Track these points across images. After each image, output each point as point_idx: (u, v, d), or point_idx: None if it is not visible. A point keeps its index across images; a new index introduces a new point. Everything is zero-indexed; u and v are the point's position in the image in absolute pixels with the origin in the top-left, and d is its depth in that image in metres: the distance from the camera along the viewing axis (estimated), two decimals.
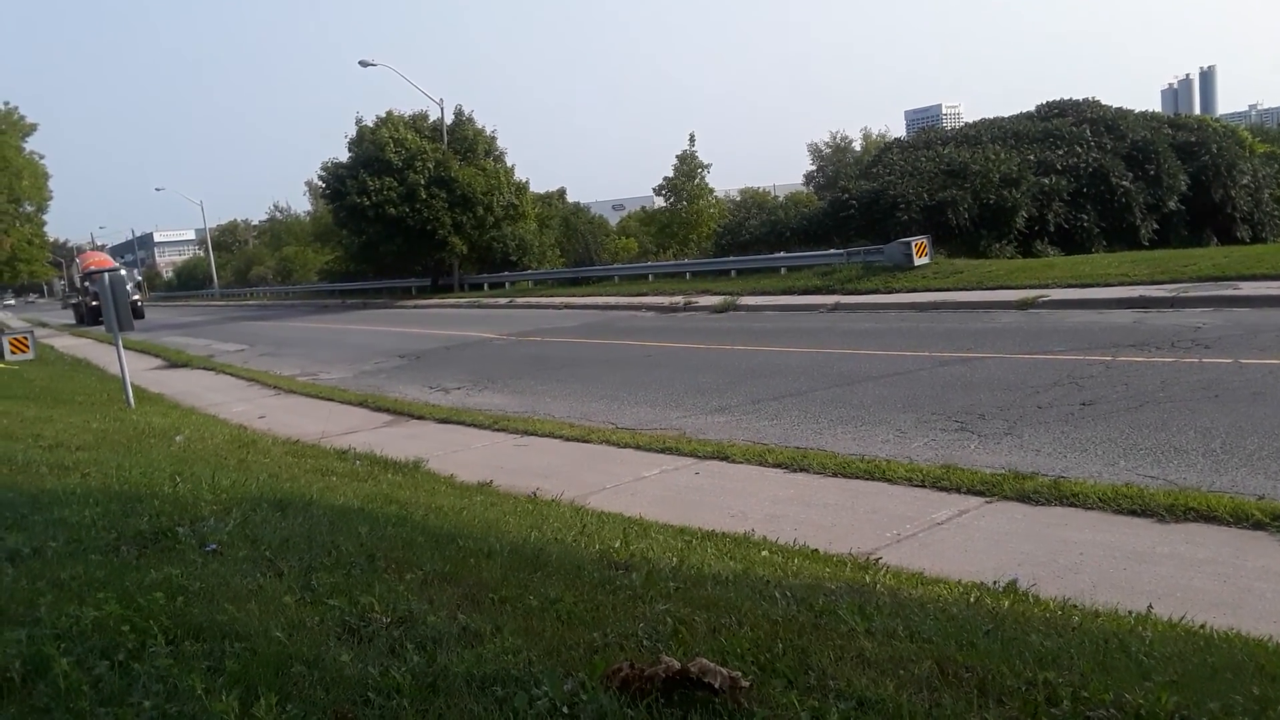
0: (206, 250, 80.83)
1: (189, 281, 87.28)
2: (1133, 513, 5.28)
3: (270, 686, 2.74)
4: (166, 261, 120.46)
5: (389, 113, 39.17)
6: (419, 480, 7.67)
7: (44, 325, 45.56)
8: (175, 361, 21.30)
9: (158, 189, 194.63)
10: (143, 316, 42.56)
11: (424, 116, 39.99)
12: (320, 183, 43.11)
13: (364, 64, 36.16)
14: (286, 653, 3.06)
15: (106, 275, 15.30)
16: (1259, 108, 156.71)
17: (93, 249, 72.59)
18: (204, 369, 19.32)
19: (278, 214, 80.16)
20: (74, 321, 47.50)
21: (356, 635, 3.34)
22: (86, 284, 42.38)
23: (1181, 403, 7.78)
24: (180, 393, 15.36)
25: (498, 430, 9.76)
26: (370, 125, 38.74)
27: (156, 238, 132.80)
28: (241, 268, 75.95)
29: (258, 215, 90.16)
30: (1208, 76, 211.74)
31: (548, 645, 3.19)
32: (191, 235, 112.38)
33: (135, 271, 55.43)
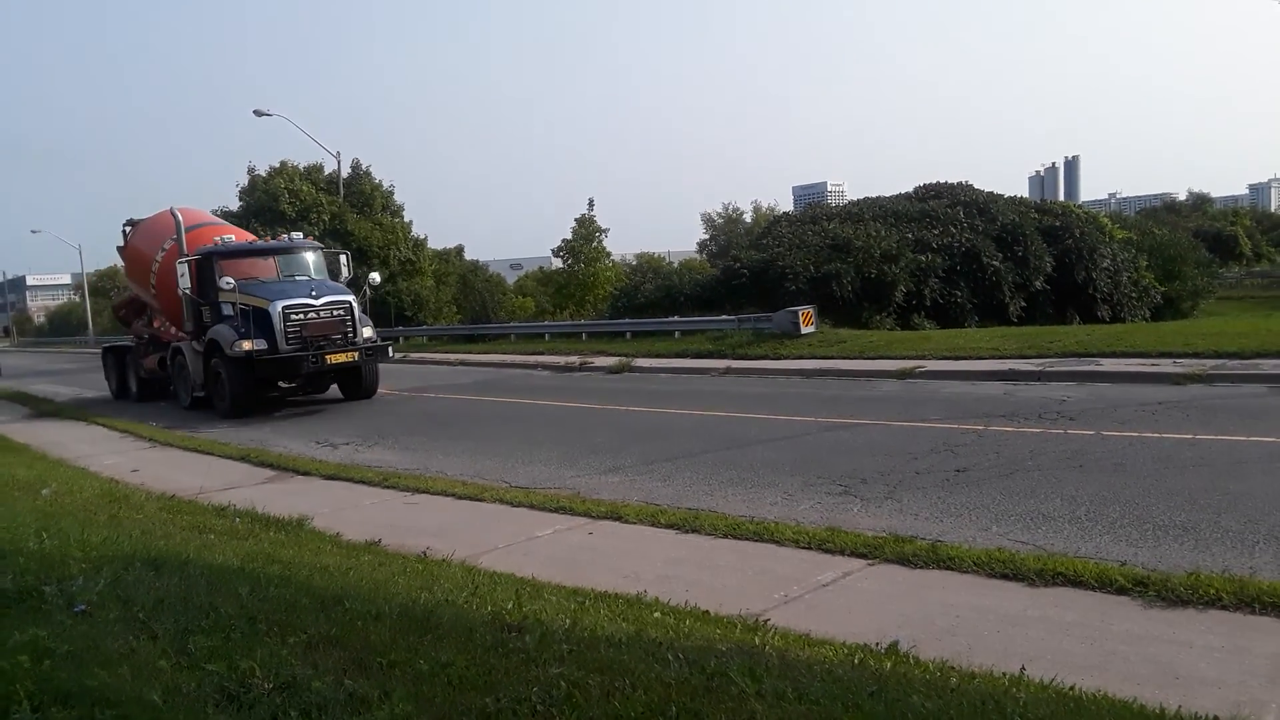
0: (83, 295, 77.15)
1: (62, 327, 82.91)
2: (1005, 576, 5.52)
3: None
4: (39, 306, 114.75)
5: (283, 163, 38.57)
6: (303, 539, 7.44)
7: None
8: (43, 411, 20.13)
9: (33, 231, 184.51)
10: (374, 392, 18.42)
11: (319, 168, 39.48)
12: None
13: (259, 113, 35.55)
14: None
15: None
16: (1118, 196, 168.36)
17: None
18: (74, 419, 18.31)
19: None
20: (109, 390, 22.87)
21: (236, 702, 3.23)
22: (221, 295, 16.97)
23: (1049, 471, 8.22)
24: (48, 444, 14.51)
25: (387, 487, 9.55)
26: (263, 175, 38.03)
27: (29, 281, 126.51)
28: None
29: None
30: (1072, 165, 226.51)
31: (439, 711, 3.15)
32: (68, 280, 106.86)
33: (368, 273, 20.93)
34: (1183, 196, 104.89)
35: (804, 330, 20.78)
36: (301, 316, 16.69)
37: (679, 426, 12.33)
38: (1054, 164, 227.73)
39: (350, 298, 17.59)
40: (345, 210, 36.72)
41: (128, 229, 21.27)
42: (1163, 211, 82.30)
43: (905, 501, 7.67)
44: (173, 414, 18.01)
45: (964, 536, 6.51)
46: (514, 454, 11.21)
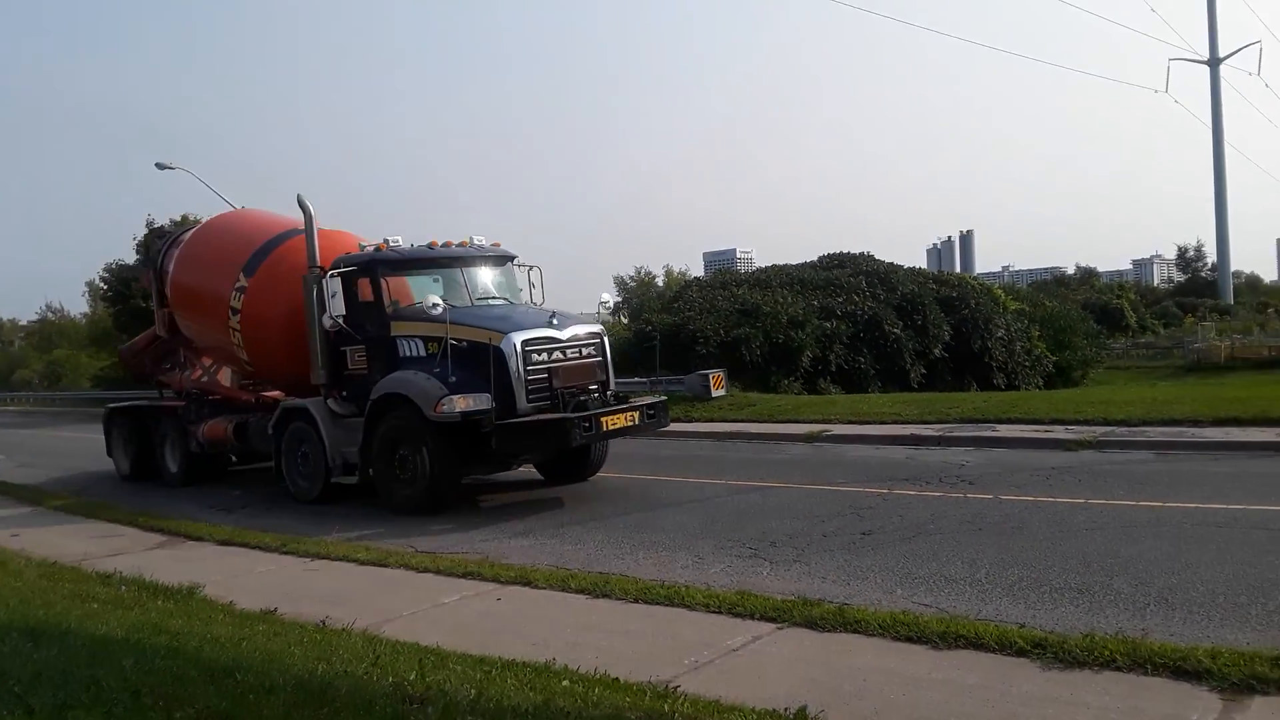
0: None
1: None
2: (910, 639, 5.59)
3: None
4: None
5: (185, 217, 37.58)
6: (194, 608, 7.11)
7: None
8: None
9: None
10: (598, 470, 12.89)
11: None
12: (102, 284, 40.49)
13: (161, 166, 34.57)
14: None
15: None
16: (1011, 269, 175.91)
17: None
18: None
19: (50, 315, 74.25)
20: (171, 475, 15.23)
21: None
22: (397, 327, 11.69)
23: (950, 534, 8.43)
24: None
25: (285, 553, 9.22)
26: (164, 228, 37.11)
27: None
28: (3, 370, 69.36)
29: (27, 315, 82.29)
30: (967, 239, 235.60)
31: None
32: None
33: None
34: (1071, 270, 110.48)
35: (715, 393, 21.01)
36: (545, 357, 11.03)
37: (589, 488, 12.25)
38: (950, 237, 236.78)
39: (600, 329, 12.11)
40: None
41: (159, 242, 16.19)
42: (1053, 284, 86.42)
43: (813, 564, 7.75)
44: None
45: (870, 599, 6.59)
46: (419, 516, 10.96)
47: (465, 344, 10.91)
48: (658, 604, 6.67)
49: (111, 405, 17.23)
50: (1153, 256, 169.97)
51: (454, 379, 10.70)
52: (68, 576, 8.24)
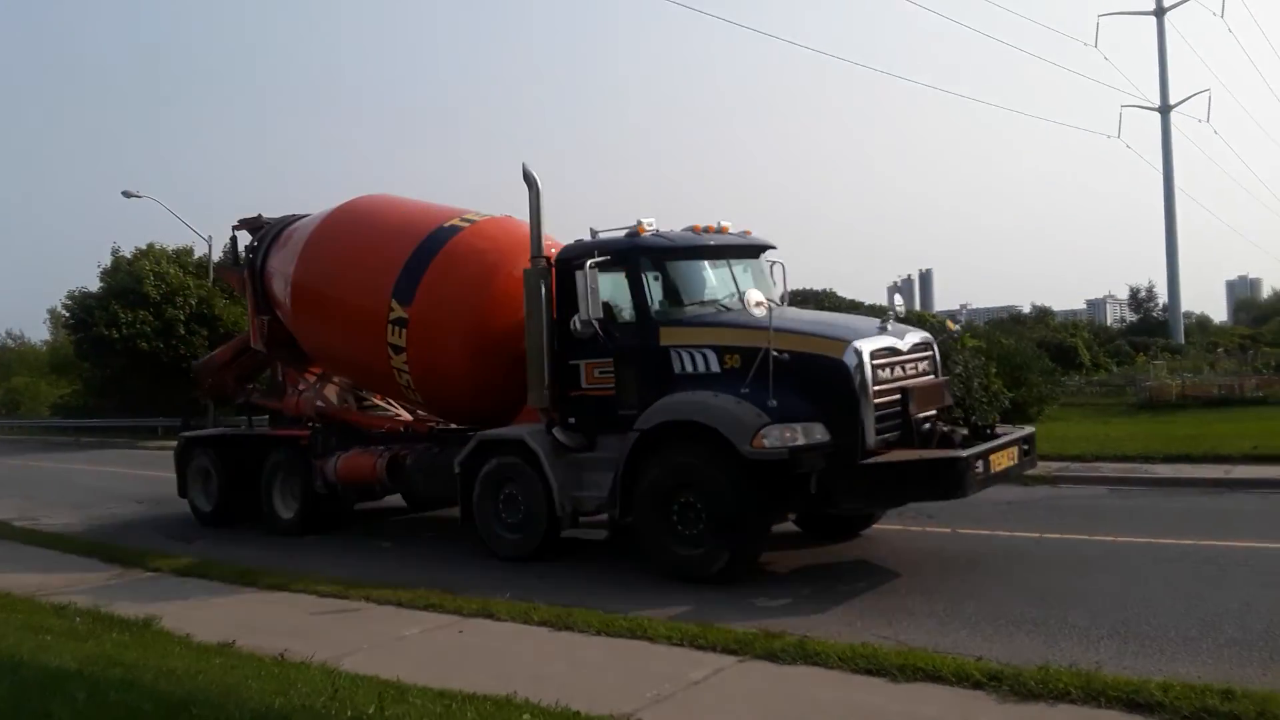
0: None
1: None
2: (869, 672, 5.63)
3: None
4: None
5: (150, 245, 37.27)
6: (149, 640, 7.01)
7: None
8: None
9: None
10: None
11: (189, 251, 38.23)
12: (64, 311, 39.94)
13: (127, 194, 34.32)
14: None
15: None
16: (969, 307, 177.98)
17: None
18: None
19: (10, 342, 72.83)
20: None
21: None
22: (693, 333, 8.90)
23: (909, 567, 8.54)
24: None
25: (245, 585, 9.09)
26: (128, 256, 36.79)
27: None
28: None
29: None
30: (926, 278, 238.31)
31: None
32: None
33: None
34: (1027, 309, 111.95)
35: None
36: (890, 374, 8.47)
37: None
38: (910, 276, 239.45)
39: (930, 337, 9.46)
40: (213, 294, 35.54)
41: (255, 236, 13.26)
42: (1009, 322, 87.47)
43: (774, 596, 7.80)
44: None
45: (830, 631, 6.65)
46: (382, 548, 10.88)
47: (786, 356, 8.23)
48: (620, 636, 6.68)
49: (189, 434, 14.23)
50: (1106, 296, 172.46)
51: (773, 403, 8.09)
52: (21, 607, 8.08)
